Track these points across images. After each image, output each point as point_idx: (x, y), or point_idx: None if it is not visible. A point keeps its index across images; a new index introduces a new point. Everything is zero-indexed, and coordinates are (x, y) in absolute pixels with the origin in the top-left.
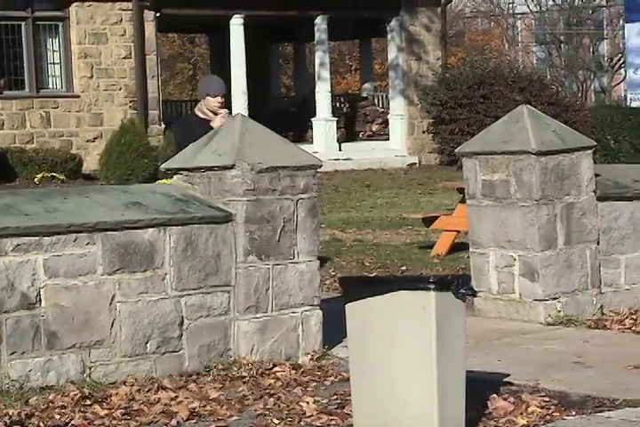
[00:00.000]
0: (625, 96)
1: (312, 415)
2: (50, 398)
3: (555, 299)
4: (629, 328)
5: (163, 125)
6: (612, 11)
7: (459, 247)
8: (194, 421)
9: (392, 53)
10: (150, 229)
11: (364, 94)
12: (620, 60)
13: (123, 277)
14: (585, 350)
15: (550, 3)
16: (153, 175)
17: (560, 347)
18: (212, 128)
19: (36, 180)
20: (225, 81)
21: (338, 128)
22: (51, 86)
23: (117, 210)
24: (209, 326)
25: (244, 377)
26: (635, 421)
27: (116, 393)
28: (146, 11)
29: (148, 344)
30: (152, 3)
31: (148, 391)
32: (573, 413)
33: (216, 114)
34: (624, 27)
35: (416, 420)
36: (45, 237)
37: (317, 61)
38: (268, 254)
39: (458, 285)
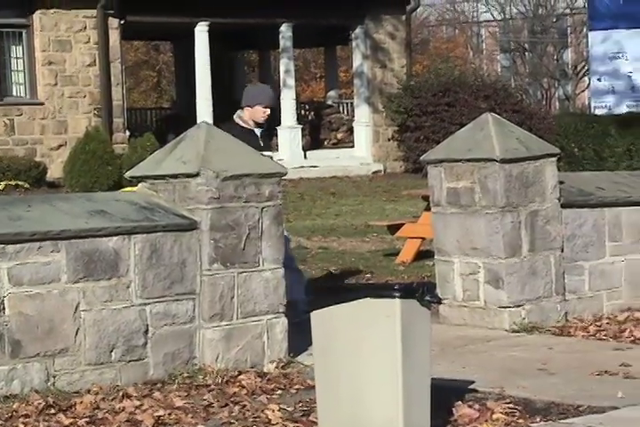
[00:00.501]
0: (589, 104)
1: (277, 423)
2: (14, 407)
3: (519, 306)
4: (593, 335)
5: (127, 133)
6: (576, 19)
7: (424, 255)
8: None
9: (357, 61)
10: (115, 237)
11: (329, 102)
12: (583, 67)
13: (87, 286)
14: (549, 357)
15: (514, 11)
16: (117, 183)
17: (524, 354)
18: (258, 137)
19: None
20: (191, 88)
21: (303, 136)
22: (14, 94)
23: (82, 218)
24: (174, 334)
25: (209, 385)
26: None
27: (81, 402)
28: (110, 18)
29: (112, 353)
30: (117, 10)
31: (112, 400)
32: (538, 419)
33: (258, 124)
34: (587, 35)
35: None
36: (9, 246)
37: (282, 69)
38: (233, 262)
39: (423, 292)
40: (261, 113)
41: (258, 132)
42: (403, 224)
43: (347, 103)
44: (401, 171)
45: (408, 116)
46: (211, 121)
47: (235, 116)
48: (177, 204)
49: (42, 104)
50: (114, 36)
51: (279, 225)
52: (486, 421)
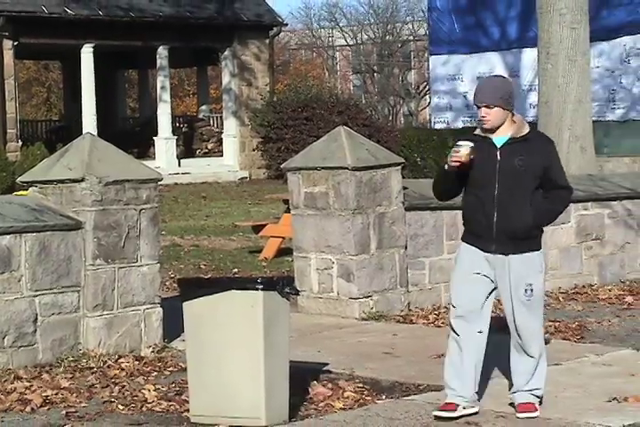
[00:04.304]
0: (430, 119)
1: (153, 402)
2: None
3: (368, 297)
4: (432, 322)
5: (20, 142)
6: (419, 44)
7: (284, 252)
8: (47, 408)
9: (226, 79)
10: (7, 236)
11: (201, 116)
12: (425, 87)
13: None
14: (394, 342)
15: (365, 37)
16: (11, 187)
17: (372, 339)
18: (492, 146)
19: None
20: (77, 103)
21: (177, 146)
22: None
23: None
24: (61, 322)
25: (93, 368)
26: (437, 403)
27: None
28: (5, 40)
29: (5, 339)
30: (11, 32)
31: (4, 382)
32: (384, 397)
33: (487, 130)
34: (429, 59)
35: (245, 405)
36: None
37: (159, 86)
38: (114, 258)
39: (283, 285)
40: (480, 115)
41: (497, 140)
42: (266, 225)
43: (216, 117)
44: (264, 177)
45: (271, 129)
46: (95, 132)
47: None
48: (64, 206)
49: None
50: (8, 56)
51: (156, 225)
52: (338, 398)
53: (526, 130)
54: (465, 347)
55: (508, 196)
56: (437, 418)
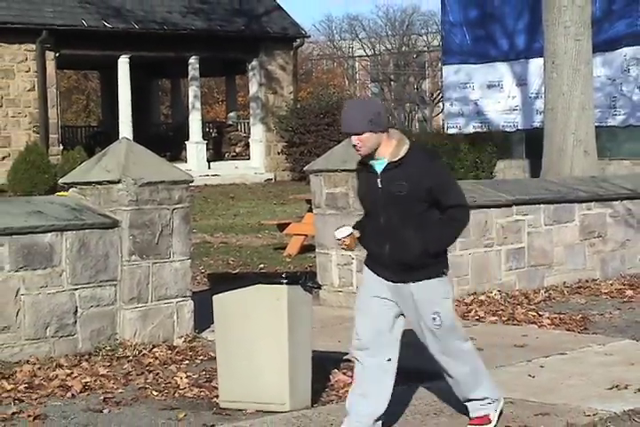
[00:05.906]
0: (443, 124)
1: (185, 388)
2: None
3: None
4: None
5: (61, 147)
6: (433, 55)
7: (307, 249)
8: (86, 393)
9: (253, 88)
10: (49, 234)
11: (230, 122)
12: (439, 95)
13: (26, 274)
14: (409, 332)
15: (383, 48)
16: (53, 188)
17: None
18: (372, 173)
19: None
20: (114, 110)
21: (207, 149)
22: None
23: (22, 217)
24: (99, 314)
25: (128, 357)
26: (450, 391)
27: (21, 371)
28: (47, 51)
29: (47, 329)
30: (53, 45)
31: (47, 369)
32: (400, 384)
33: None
34: (442, 68)
35: (271, 392)
36: None
37: (191, 94)
38: (148, 254)
39: (305, 279)
40: (352, 143)
41: (378, 166)
42: (289, 223)
43: (244, 123)
44: (288, 179)
45: (294, 134)
46: (131, 137)
47: None
48: (102, 206)
49: None
50: (50, 67)
51: (187, 224)
52: None
53: (404, 151)
54: (369, 376)
55: (394, 225)
56: None
